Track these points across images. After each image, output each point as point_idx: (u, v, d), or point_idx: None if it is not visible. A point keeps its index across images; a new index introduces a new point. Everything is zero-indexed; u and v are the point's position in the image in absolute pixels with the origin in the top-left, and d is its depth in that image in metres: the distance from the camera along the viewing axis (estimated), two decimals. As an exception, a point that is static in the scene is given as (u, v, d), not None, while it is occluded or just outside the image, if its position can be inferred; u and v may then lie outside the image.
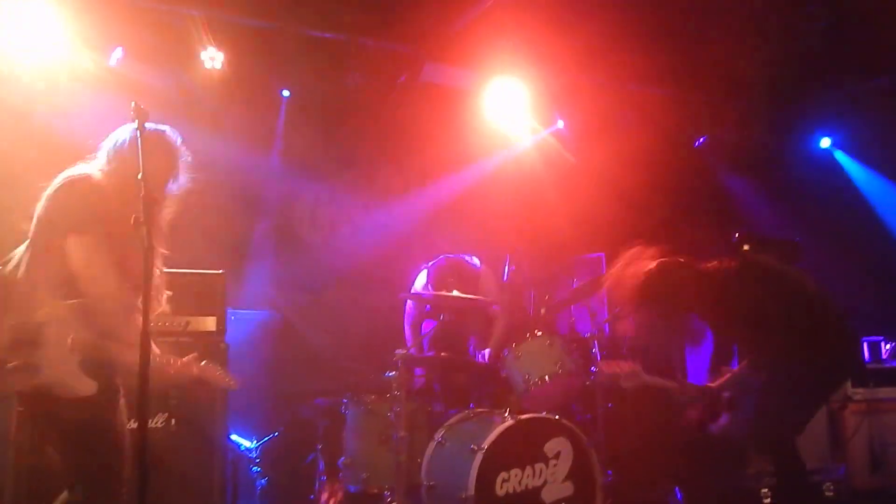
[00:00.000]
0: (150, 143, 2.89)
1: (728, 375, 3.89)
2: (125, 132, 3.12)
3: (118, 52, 5.00)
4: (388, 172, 6.33)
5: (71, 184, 3.01)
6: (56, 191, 3.00)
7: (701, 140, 7.23)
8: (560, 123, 6.81)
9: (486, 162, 6.69)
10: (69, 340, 2.91)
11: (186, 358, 3.23)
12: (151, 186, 2.69)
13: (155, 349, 3.11)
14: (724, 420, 4.06)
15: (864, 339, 6.14)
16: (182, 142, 3.30)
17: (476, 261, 5.09)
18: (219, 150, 5.07)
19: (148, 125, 2.88)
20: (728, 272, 3.77)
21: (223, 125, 5.46)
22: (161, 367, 3.12)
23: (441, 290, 4.36)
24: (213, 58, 5.25)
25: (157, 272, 3.07)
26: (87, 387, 2.92)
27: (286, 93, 5.98)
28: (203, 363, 3.26)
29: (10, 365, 2.80)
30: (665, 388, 3.93)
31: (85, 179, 3.04)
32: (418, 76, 6.07)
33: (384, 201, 6.22)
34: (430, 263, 5.08)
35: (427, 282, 4.94)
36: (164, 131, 3.22)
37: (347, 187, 6.19)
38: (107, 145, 3.14)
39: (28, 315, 2.86)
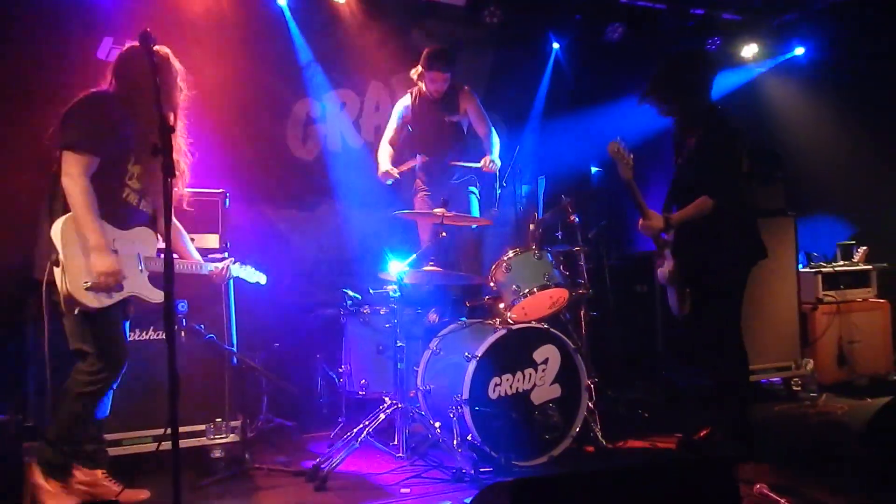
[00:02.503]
0: (161, 69, 3.06)
1: (686, 210, 3.98)
2: (131, 52, 3.25)
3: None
4: (378, 89, 6.32)
5: (79, 101, 3.17)
6: (67, 108, 3.15)
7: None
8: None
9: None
10: (140, 262, 3.27)
11: (223, 263, 3.69)
12: (167, 112, 2.85)
13: (197, 258, 3.59)
14: (668, 262, 4.21)
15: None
16: (180, 62, 3.44)
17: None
18: (211, 68, 5.07)
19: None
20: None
21: (219, 43, 5.42)
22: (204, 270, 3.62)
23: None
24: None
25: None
26: (158, 296, 3.32)
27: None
28: (237, 265, 3.73)
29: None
30: (640, 204, 4.04)
31: (94, 95, 3.20)
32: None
33: (377, 117, 6.23)
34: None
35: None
36: (168, 53, 3.35)
37: (339, 103, 6.19)
38: (115, 65, 3.30)
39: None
